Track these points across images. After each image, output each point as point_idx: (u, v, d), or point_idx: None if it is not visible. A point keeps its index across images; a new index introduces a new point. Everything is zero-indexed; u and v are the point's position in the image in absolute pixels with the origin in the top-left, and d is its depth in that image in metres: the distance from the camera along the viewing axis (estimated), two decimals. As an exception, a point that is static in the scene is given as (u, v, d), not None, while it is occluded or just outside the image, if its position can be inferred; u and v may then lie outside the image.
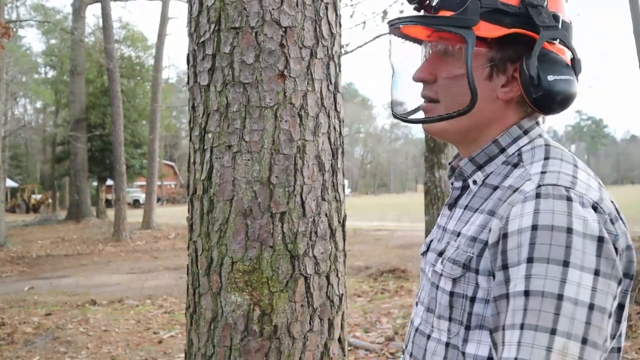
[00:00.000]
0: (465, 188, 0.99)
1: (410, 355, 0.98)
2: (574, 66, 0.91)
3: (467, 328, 0.87)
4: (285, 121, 1.73)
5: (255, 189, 1.71)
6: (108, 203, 28.14)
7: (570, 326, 0.73)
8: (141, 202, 32.58)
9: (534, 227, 0.77)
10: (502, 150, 0.94)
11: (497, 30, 0.88)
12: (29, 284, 9.13)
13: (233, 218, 1.73)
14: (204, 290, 1.78)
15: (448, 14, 0.89)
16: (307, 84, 1.76)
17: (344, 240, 1.89)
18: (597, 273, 0.76)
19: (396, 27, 0.97)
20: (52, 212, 29.43)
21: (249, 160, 1.72)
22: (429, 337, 0.94)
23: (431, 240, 1.03)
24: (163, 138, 39.20)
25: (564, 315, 0.73)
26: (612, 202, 0.86)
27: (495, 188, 0.91)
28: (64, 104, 31.39)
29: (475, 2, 0.88)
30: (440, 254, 0.94)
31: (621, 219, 0.85)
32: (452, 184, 1.03)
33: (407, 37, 1.02)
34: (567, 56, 0.92)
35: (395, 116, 1.04)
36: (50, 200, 33.22)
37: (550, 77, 0.87)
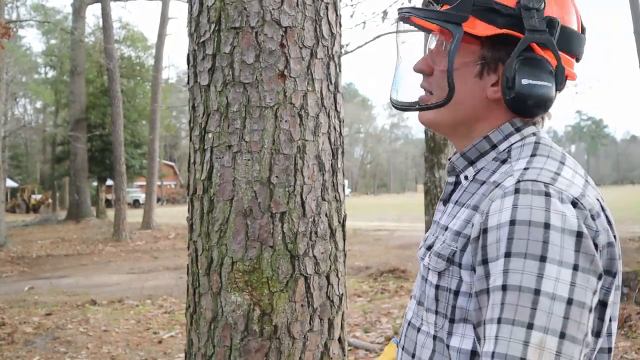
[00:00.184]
0: (458, 183, 1.00)
1: (403, 349, 1.00)
2: (556, 73, 0.90)
3: (452, 321, 0.89)
4: (286, 121, 1.73)
5: (256, 189, 1.71)
6: (108, 203, 28.15)
7: (548, 321, 0.73)
8: (141, 202, 32.58)
9: (512, 223, 0.78)
10: (494, 146, 0.95)
11: (488, 29, 0.89)
12: (29, 284, 9.13)
13: (233, 218, 1.73)
14: (204, 290, 1.78)
15: (446, 7, 0.91)
16: (307, 84, 1.76)
17: (344, 240, 1.89)
18: (575, 268, 0.76)
19: (404, 17, 0.99)
20: (52, 212, 29.43)
21: (249, 160, 1.72)
22: (419, 330, 0.96)
23: (428, 236, 1.04)
24: (163, 138, 39.19)
25: (541, 310, 0.74)
26: (598, 199, 0.86)
27: (483, 183, 0.92)
28: (64, 104, 31.39)
29: None
30: (429, 247, 0.96)
31: (607, 216, 0.85)
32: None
33: (420, 28, 1.03)
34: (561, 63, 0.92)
35: (391, 102, 1.05)
36: (50, 200, 33.22)
37: (524, 81, 0.87)
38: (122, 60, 26.15)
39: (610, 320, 0.87)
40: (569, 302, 0.74)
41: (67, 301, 7.51)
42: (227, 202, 1.73)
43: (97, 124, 24.95)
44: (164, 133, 36.52)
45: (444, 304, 0.90)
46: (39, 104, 43.06)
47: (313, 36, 1.78)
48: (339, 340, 1.85)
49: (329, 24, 1.83)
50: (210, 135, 1.77)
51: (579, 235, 0.77)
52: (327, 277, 1.80)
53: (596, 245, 0.80)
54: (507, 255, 0.77)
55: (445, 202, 1.01)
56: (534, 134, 0.94)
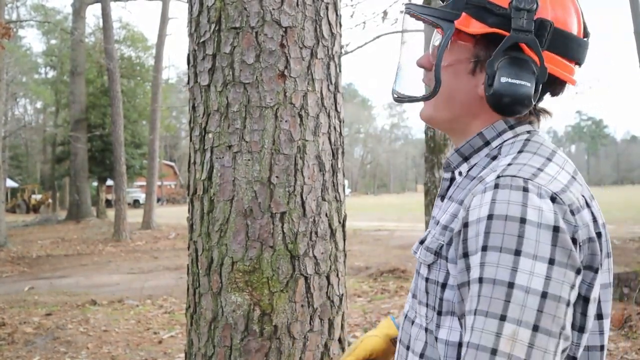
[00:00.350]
0: (453, 179, 1.02)
1: (400, 342, 1.01)
2: (538, 74, 0.90)
3: (439, 314, 0.90)
4: (286, 121, 1.73)
5: (256, 189, 1.71)
6: (108, 203, 28.15)
7: (521, 313, 0.75)
8: (141, 202, 32.57)
9: (490, 217, 0.79)
10: (487, 143, 0.96)
11: (480, 27, 0.90)
12: (29, 284, 9.13)
13: (233, 218, 1.73)
14: (204, 290, 1.78)
15: (443, 4, 0.93)
16: (308, 84, 1.76)
17: (344, 240, 1.89)
18: (551, 262, 0.77)
19: (407, 12, 1.00)
20: (52, 212, 29.44)
21: (249, 160, 1.72)
22: (413, 322, 0.97)
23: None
24: (163, 138, 39.22)
25: (514, 303, 0.75)
26: (583, 195, 0.87)
27: (474, 179, 0.93)
28: (64, 104, 31.39)
29: None
30: (422, 242, 0.98)
31: (592, 212, 0.86)
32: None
33: (429, 23, 1.04)
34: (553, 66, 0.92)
35: (392, 93, 1.06)
36: (50, 201, 33.22)
37: (503, 79, 0.88)
38: (122, 61, 26.14)
39: (600, 318, 0.88)
40: (544, 295, 0.75)
41: (67, 301, 7.51)
42: (227, 202, 1.74)
43: (97, 124, 24.95)
44: (164, 133, 36.53)
45: (433, 297, 0.92)
46: (39, 104, 43.07)
47: (313, 36, 1.78)
48: (339, 340, 1.85)
49: (329, 24, 1.83)
50: (210, 135, 1.77)
51: (556, 229, 0.78)
52: (327, 277, 1.80)
53: (575, 240, 0.80)
54: (484, 249, 0.79)
55: (442, 197, 1.03)
56: (528, 132, 0.95)
